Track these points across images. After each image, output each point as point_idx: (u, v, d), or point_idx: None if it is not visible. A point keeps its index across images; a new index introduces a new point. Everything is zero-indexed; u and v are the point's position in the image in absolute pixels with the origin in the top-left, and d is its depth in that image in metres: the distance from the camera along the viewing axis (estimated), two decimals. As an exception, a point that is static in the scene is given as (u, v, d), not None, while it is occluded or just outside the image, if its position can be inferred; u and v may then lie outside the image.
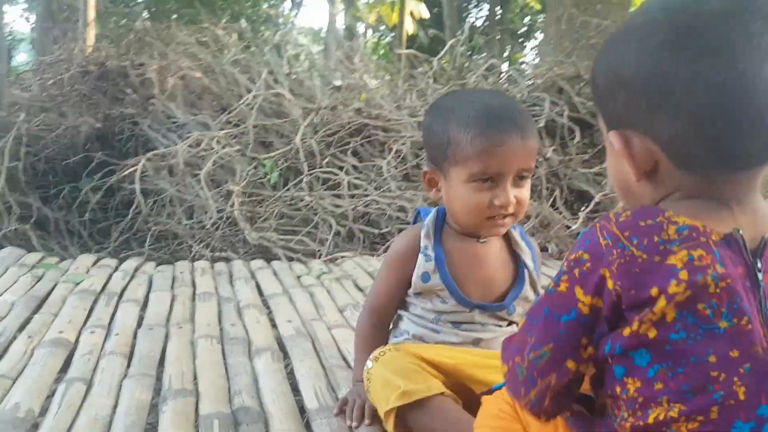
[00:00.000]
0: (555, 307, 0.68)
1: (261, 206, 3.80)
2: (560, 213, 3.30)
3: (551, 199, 3.41)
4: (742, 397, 0.61)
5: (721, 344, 0.61)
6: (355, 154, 4.28)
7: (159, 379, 1.38)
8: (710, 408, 0.61)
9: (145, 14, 10.43)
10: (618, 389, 0.67)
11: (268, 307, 1.94)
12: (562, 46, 4.56)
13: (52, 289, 1.95)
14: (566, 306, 0.67)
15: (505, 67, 5.37)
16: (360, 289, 2.22)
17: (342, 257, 2.97)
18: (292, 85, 4.99)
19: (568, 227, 3.08)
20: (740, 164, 0.66)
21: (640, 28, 0.67)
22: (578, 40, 4.39)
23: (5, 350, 1.48)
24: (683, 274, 0.61)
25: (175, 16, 9.67)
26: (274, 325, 1.76)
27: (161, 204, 3.99)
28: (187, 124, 4.55)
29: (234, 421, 1.19)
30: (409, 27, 9.04)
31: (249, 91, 4.71)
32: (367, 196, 3.59)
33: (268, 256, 3.26)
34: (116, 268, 2.29)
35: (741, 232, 0.63)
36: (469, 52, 5.50)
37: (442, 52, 4.94)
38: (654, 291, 0.62)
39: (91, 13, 6.58)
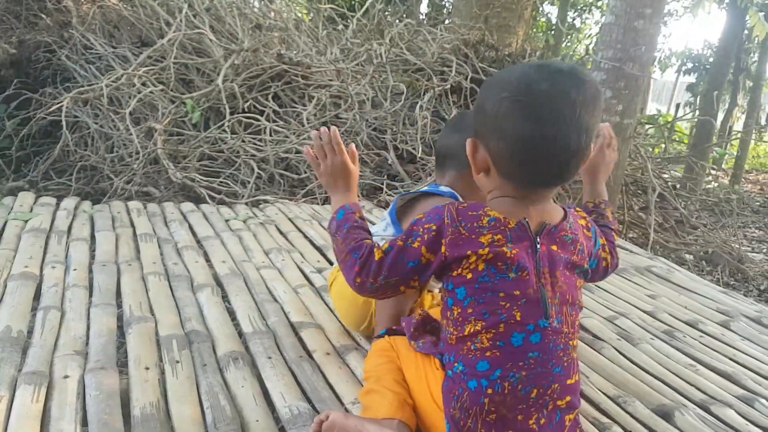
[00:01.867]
0: (407, 256, 1.07)
1: (183, 145, 3.96)
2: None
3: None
4: (518, 318, 1.02)
5: (509, 286, 1.02)
6: (275, 98, 4.49)
7: (120, 307, 1.68)
8: (499, 324, 1.02)
9: None
10: (448, 313, 1.07)
11: (203, 248, 2.24)
12: (472, 12, 4.88)
13: (3, 226, 2.16)
14: (414, 257, 1.06)
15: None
16: (282, 234, 2.54)
17: (264, 201, 3.25)
18: (212, 21, 5.06)
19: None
20: (537, 184, 1.06)
21: (501, 82, 1.04)
22: (487, 6, 4.72)
23: (-22, 281, 1.72)
24: (488, 247, 1.02)
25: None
26: (210, 265, 2.07)
27: (84, 137, 4.08)
28: (105, 56, 4.57)
29: (188, 341, 1.51)
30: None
31: (168, 25, 4.75)
32: (287, 142, 3.84)
33: (191, 195, 3.50)
34: (57, 207, 2.49)
35: (527, 220, 1.05)
36: (387, 12, 5.71)
37: (362, 10, 5.15)
38: (470, 252, 1.03)
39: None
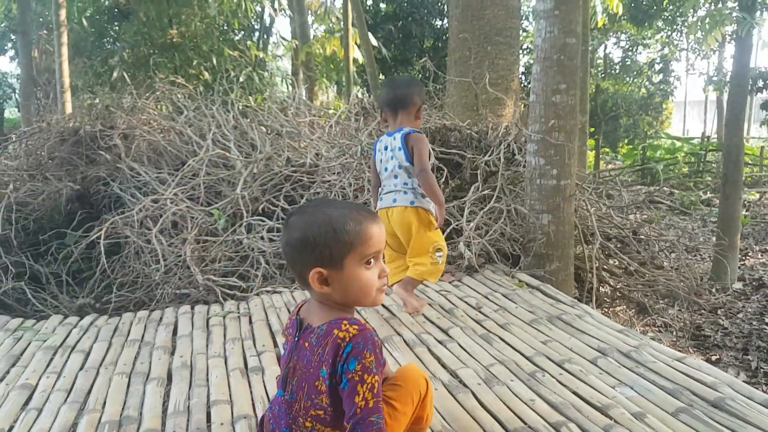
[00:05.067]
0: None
1: (206, 251, 4.63)
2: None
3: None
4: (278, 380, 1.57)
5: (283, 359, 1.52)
6: (287, 197, 5.13)
7: (85, 402, 2.26)
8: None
9: (123, 58, 11.21)
10: None
11: (174, 345, 2.82)
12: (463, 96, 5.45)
13: (27, 347, 2.85)
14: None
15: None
16: (251, 323, 3.08)
17: (266, 292, 3.81)
18: (236, 137, 5.85)
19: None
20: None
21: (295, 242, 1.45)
22: (475, 91, 5.24)
23: (-11, 395, 2.37)
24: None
25: (151, 61, 10.48)
26: (171, 360, 2.63)
27: (138, 253, 4.83)
28: (149, 182, 5.40)
29: (119, 425, 2.06)
30: (358, 56, 9.92)
31: (199, 146, 5.57)
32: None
33: (214, 295, 4.11)
34: (76, 325, 3.18)
35: (300, 317, 1.51)
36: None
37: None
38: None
39: (66, 80, 7.48)
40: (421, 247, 2.99)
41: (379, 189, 3.08)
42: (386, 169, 2.98)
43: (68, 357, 2.70)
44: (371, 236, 1.43)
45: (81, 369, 2.56)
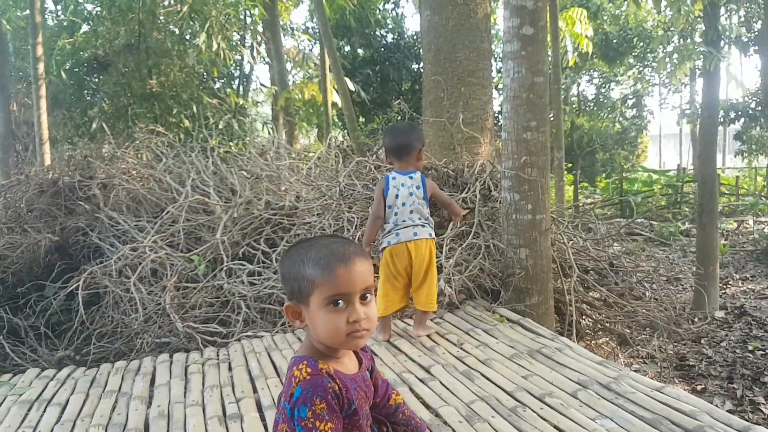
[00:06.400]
0: None
1: (186, 298, 4.59)
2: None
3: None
4: None
5: None
6: (267, 240, 5.13)
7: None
8: None
9: (102, 109, 11.26)
10: None
11: (152, 394, 2.78)
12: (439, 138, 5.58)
13: (2, 401, 2.79)
14: None
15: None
16: (230, 369, 3.05)
17: (247, 336, 3.78)
18: (216, 182, 5.87)
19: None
20: None
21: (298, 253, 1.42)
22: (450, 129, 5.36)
23: (-37, 452, 2.31)
24: None
25: (130, 110, 10.53)
26: (149, 410, 2.59)
27: (117, 302, 4.76)
28: (128, 231, 5.37)
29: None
30: (337, 100, 10.08)
31: (180, 193, 5.57)
32: (268, 281, 4.42)
33: (195, 343, 4.07)
34: (53, 377, 3.12)
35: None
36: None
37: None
38: None
39: (45, 132, 7.49)
40: (434, 276, 3.32)
41: (385, 224, 3.33)
42: (404, 204, 3.26)
43: (44, 410, 2.65)
44: (337, 277, 1.35)
45: (57, 423, 2.51)
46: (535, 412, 2.30)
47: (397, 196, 3.26)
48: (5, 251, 5.40)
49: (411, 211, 3.26)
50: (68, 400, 2.76)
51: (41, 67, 8.02)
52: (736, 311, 6.26)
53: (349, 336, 1.37)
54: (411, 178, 3.27)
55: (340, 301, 1.36)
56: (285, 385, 1.40)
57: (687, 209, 12.98)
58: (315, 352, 1.43)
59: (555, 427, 2.17)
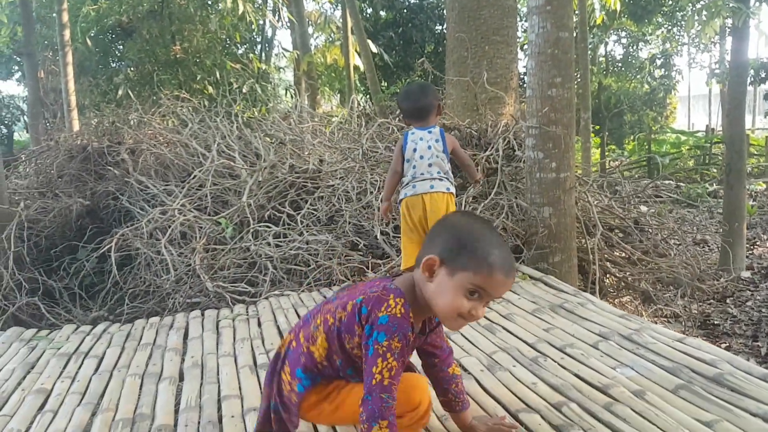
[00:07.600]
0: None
1: (215, 259, 4.69)
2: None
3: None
4: None
5: None
6: (293, 203, 5.20)
7: (98, 404, 2.32)
8: None
9: (127, 75, 11.34)
10: None
11: (186, 347, 2.88)
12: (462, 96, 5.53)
13: (41, 354, 2.91)
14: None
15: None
16: (259, 324, 3.14)
17: (267, 296, 3.88)
18: (241, 147, 5.93)
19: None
20: None
21: (447, 227, 1.50)
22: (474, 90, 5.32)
23: (7, 399, 2.42)
24: None
25: (155, 77, 10.61)
26: (183, 360, 2.69)
27: (149, 264, 4.89)
28: (157, 195, 5.48)
29: (132, 421, 2.12)
30: (359, 63, 10.02)
31: (206, 158, 5.65)
32: (293, 242, 4.50)
33: (224, 302, 4.17)
34: (89, 333, 3.24)
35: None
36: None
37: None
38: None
39: (73, 99, 7.60)
40: None
41: (402, 178, 3.32)
42: (422, 158, 3.25)
43: (82, 362, 2.76)
44: (495, 280, 1.41)
45: (95, 373, 2.62)
46: (555, 362, 2.35)
47: (415, 150, 3.27)
48: (38, 215, 5.53)
49: (430, 165, 3.24)
50: (105, 353, 2.87)
51: (67, 34, 8.09)
52: (762, 271, 6.21)
53: (456, 320, 1.46)
54: (430, 132, 3.28)
55: (477, 294, 1.43)
56: (367, 296, 1.48)
57: (715, 171, 12.76)
58: (412, 299, 1.51)
59: (575, 375, 2.21)
